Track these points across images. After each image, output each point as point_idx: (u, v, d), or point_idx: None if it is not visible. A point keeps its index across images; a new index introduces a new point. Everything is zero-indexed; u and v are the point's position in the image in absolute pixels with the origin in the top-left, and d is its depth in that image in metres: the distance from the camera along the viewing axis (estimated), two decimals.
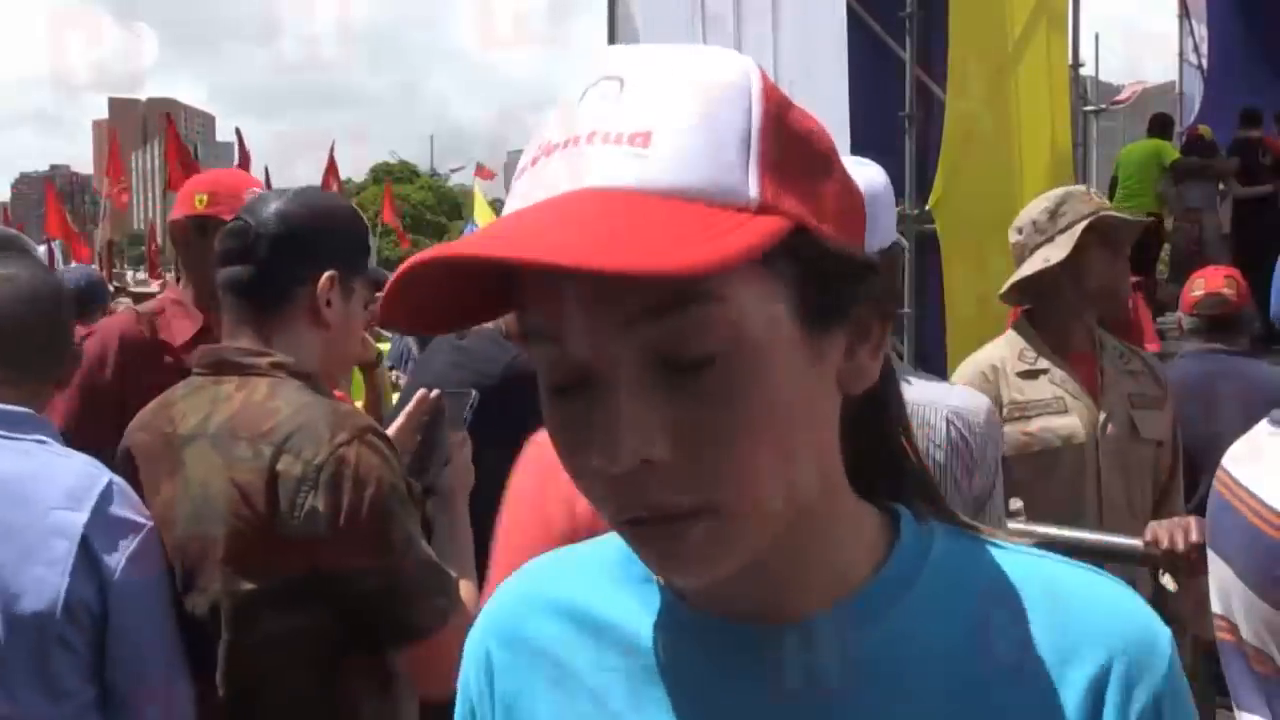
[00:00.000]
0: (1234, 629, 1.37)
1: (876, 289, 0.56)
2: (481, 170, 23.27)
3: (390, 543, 1.32)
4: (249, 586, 1.31)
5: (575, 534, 1.25)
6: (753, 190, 0.49)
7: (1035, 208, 2.28)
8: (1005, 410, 2.18)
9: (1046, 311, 2.29)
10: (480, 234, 0.50)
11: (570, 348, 0.50)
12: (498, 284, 0.52)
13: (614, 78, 0.52)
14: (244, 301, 1.45)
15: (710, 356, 0.49)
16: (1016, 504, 2.17)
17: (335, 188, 18.26)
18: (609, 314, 0.49)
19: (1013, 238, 2.31)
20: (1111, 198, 8.54)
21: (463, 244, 0.47)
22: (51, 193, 18.21)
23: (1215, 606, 1.43)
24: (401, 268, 0.49)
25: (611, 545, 0.66)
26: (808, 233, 0.50)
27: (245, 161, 16.21)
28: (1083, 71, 7.95)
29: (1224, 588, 1.42)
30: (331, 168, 18.42)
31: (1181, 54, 11.38)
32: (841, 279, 0.54)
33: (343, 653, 1.36)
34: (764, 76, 0.53)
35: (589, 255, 0.44)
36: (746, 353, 0.50)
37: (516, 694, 0.65)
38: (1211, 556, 1.47)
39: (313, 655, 1.34)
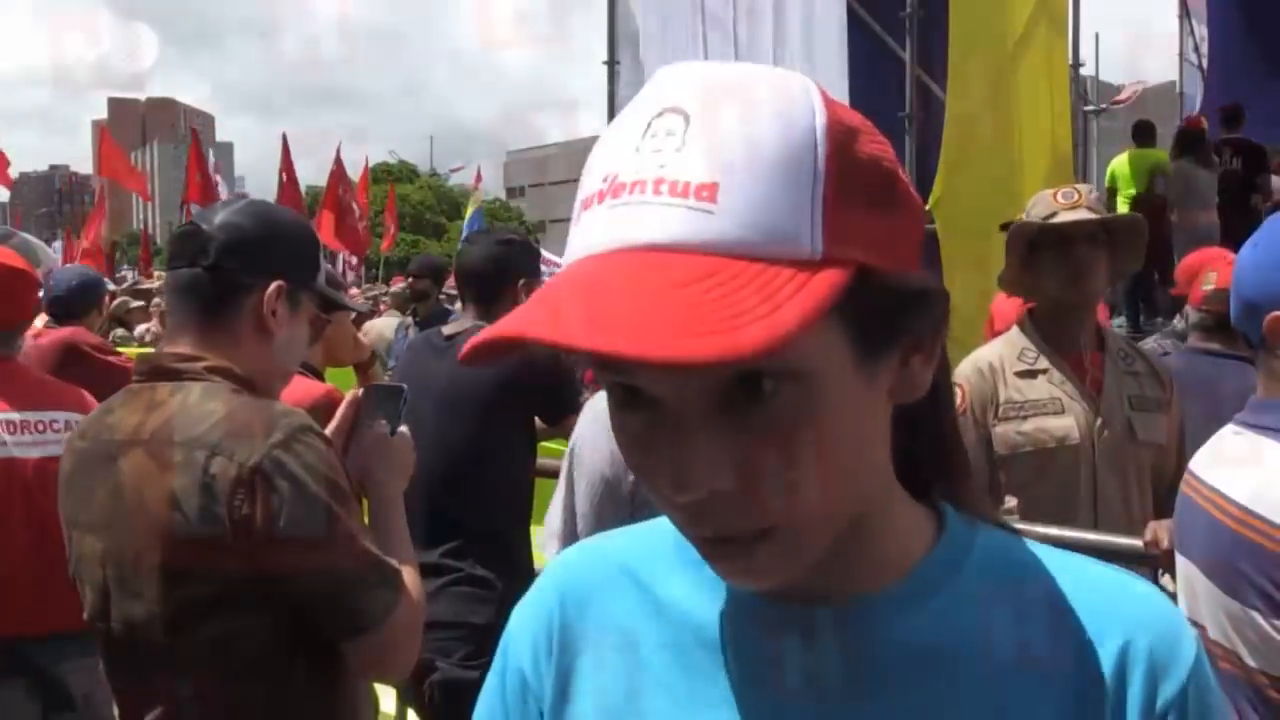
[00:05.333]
0: (1202, 630, 1.38)
1: (933, 309, 0.58)
2: (477, 178, 25.26)
3: (331, 540, 1.32)
4: (188, 591, 1.31)
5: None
6: (817, 243, 0.50)
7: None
8: (1001, 409, 2.18)
9: (1039, 310, 2.28)
10: (557, 306, 0.50)
11: (640, 380, 0.53)
12: None
13: (678, 111, 0.53)
14: (189, 305, 1.44)
15: (774, 391, 0.52)
16: (1010, 503, 2.16)
17: (342, 190, 18.32)
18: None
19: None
20: (1112, 205, 8.55)
21: (544, 326, 0.48)
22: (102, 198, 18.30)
23: (1183, 609, 1.44)
24: (478, 340, 0.50)
25: (667, 528, 0.69)
26: (868, 271, 0.52)
27: (287, 172, 16.33)
28: (1083, 71, 7.97)
29: (1191, 587, 1.44)
30: (339, 170, 18.46)
31: (1181, 54, 11.39)
32: (899, 310, 0.56)
33: (290, 652, 1.36)
34: (827, 104, 0.53)
35: (652, 345, 0.46)
36: (808, 387, 0.53)
37: (580, 659, 0.68)
38: (1179, 559, 1.49)
39: (259, 656, 1.34)
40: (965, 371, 2.24)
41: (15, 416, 2.12)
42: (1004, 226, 2.35)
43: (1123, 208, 8.10)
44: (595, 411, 1.57)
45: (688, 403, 0.53)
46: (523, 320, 0.50)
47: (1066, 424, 2.15)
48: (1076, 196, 2.20)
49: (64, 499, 1.45)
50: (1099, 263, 2.19)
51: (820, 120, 0.53)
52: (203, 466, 1.29)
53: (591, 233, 0.53)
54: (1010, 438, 2.15)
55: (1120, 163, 8.65)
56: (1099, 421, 2.16)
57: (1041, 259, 2.20)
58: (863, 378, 0.55)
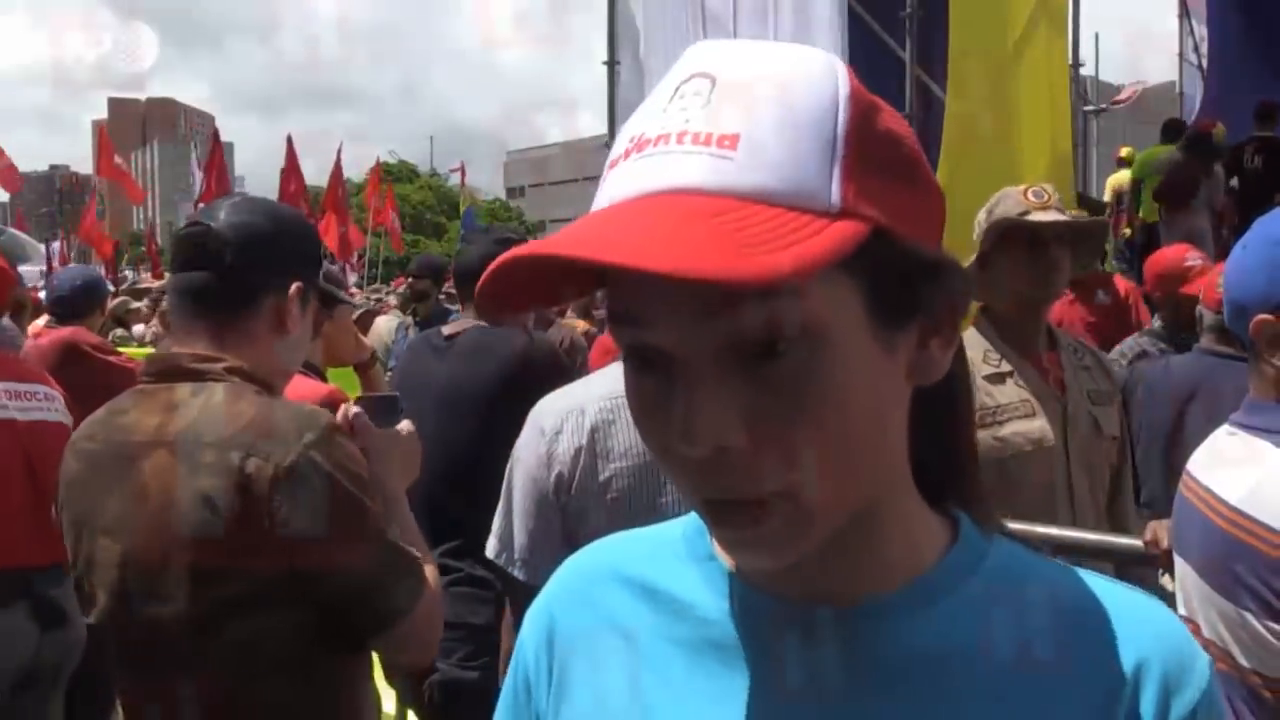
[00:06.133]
0: (1196, 629, 1.39)
1: (951, 285, 0.58)
2: (462, 176, 25.29)
3: (364, 536, 1.34)
4: (219, 592, 1.30)
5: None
6: (834, 195, 0.51)
7: (984, 206, 2.26)
8: (976, 415, 2.14)
9: (997, 311, 2.26)
10: (573, 233, 0.52)
11: (654, 332, 0.53)
12: (583, 268, 0.55)
13: (706, 75, 0.54)
14: (202, 307, 1.43)
15: (786, 347, 0.52)
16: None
17: (340, 191, 18.41)
18: (690, 305, 0.51)
19: (972, 234, 2.31)
20: (1136, 200, 8.54)
21: (557, 244, 0.49)
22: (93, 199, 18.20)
23: (1180, 608, 1.45)
24: (496, 262, 0.52)
25: (676, 526, 0.70)
26: (885, 234, 0.52)
27: (292, 173, 16.35)
28: (1083, 71, 7.96)
29: (1185, 587, 1.45)
30: (337, 171, 18.54)
31: (1181, 54, 11.40)
32: (916, 277, 0.56)
33: (310, 651, 1.36)
34: (852, 78, 0.55)
35: (674, 260, 0.46)
36: (821, 345, 0.52)
37: (576, 658, 0.68)
38: (1176, 559, 1.49)
39: (281, 656, 1.34)
40: None
41: (7, 386, 2.56)
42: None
43: (1148, 200, 8.11)
44: (533, 418, 1.60)
45: (701, 357, 0.52)
46: (523, 246, 0.51)
47: (1040, 426, 2.13)
48: (1046, 196, 2.19)
49: (70, 501, 1.42)
50: (1066, 263, 2.19)
51: (844, 90, 0.54)
52: (238, 467, 1.29)
53: (615, 185, 0.54)
54: (989, 444, 2.12)
55: (1144, 157, 8.62)
56: (1069, 420, 2.16)
57: (1010, 257, 2.17)
58: (879, 346, 0.55)
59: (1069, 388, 2.19)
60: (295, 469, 1.30)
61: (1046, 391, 2.17)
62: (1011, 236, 2.16)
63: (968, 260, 2.24)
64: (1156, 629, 0.60)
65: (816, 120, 0.52)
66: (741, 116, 0.52)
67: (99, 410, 1.46)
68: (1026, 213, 2.16)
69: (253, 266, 1.43)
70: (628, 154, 0.54)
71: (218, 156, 15.66)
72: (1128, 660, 0.58)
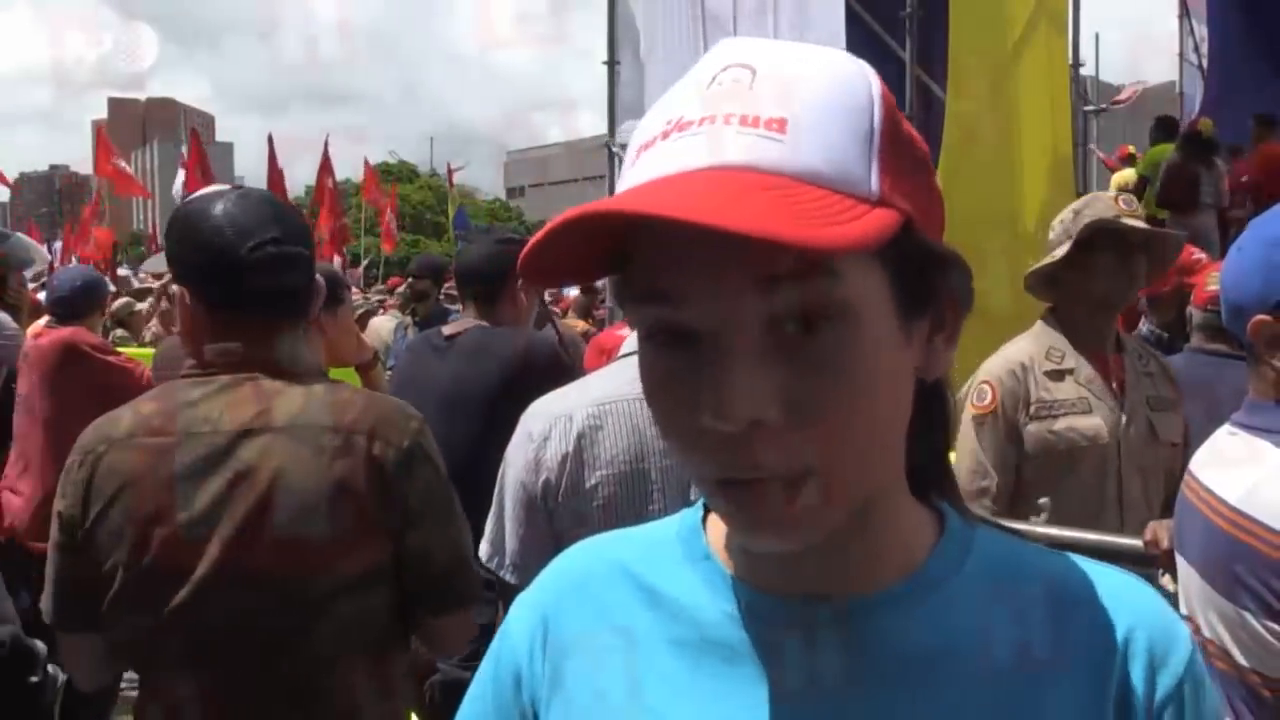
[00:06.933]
0: (1196, 628, 1.39)
1: (956, 282, 0.60)
2: (450, 177, 25.28)
3: (460, 517, 1.44)
4: (339, 573, 1.32)
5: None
6: (874, 184, 0.53)
7: (1069, 206, 2.33)
8: (1033, 408, 2.21)
9: (1067, 310, 2.31)
10: (631, 196, 0.52)
11: (689, 309, 0.53)
12: (610, 248, 0.55)
13: (745, 66, 0.55)
14: (288, 312, 1.45)
15: (823, 325, 0.53)
16: (1042, 500, 2.19)
17: (330, 186, 18.40)
18: (733, 279, 0.52)
19: (1049, 234, 2.37)
20: (1141, 199, 8.53)
21: (621, 203, 0.50)
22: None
23: (1180, 608, 1.45)
24: (551, 225, 0.52)
25: (669, 527, 0.70)
26: (910, 226, 0.54)
27: (276, 173, 16.30)
28: (1083, 71, 7.96)
29: (1186, 586, 1.45)
30: (325, 166, 18.49)
31: (1181, 54, 11.39)
32: (933, 270, 0.58)
33: (387, 634, 1.41)
34: (881, 80, 0.57)
35: (747, 221, 0.47)
36: (856, 325, 0.53)
37: (573, 657, 0.68)
38: (1178, 559, 1.50)
39: (367, 638, 1.37)
40: (995, 370, 2.26)
41: None
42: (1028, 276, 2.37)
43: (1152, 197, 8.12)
44: (524, 422, 1.61)
45: (737, 333, 0.52)
46: (581, 207, 0.51)
47: (1095, 423, 2.18)
48: (1135, 205, 2.28)
49: (126, 498, 1.33)
50: (1144, 270, 2.26)
51: (876, 89, 0.56)
52: (366, 449, 1.35)
53: (655, 162, 0.54)
54: (1043, 437, 2.18)
55: (1152, 154, 8.61)
56: (1124, 421, 2.19)
57: (1094, 260, 2.23)
58: (901, 336, 0.56)
59: (1129, 391, 2.23)
60: (412, 452, 1.37)
61: (1105, 392, 2.21)
62: (1099, 239, 2.21)
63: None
64: (1139, 607, 0.61)
65: (856, 114, 0.54)
66: (787, 103, 0.53)
67: (144, 406, 1.39)
68: (1119, 217, 2.22)
69: (309, 271, 1.48)
70: (666, 134, 0.55)
71: (195, 152, 15.39)
72: (1115, 639, 0.60)
